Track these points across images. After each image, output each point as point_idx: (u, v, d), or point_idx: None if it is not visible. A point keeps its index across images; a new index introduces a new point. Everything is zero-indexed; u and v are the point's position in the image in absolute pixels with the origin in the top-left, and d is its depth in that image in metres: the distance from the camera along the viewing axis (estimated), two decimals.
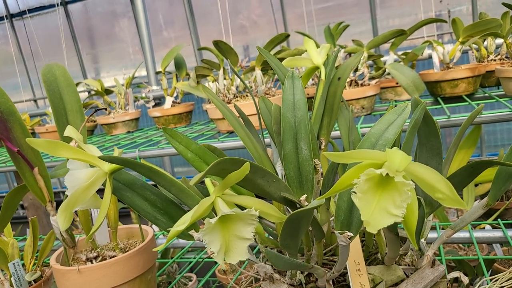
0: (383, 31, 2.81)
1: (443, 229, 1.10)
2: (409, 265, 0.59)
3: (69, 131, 0.52)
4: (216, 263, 1.39)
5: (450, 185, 0.37)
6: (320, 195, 0.60)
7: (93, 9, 3.56)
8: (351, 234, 0.47)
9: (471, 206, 1.05)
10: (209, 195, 0.49)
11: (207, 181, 0.50)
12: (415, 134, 0.47)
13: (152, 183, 0.59)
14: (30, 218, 0.78)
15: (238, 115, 0.66)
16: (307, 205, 0.52)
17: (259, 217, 0.52)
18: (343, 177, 0.41)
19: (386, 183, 0.37)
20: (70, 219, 0.50)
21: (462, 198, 0.42)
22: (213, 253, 0.46)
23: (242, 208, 0.47)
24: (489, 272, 1.08)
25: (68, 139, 0.61)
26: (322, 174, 0.63)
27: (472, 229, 1.00)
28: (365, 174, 0.36)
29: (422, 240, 0.56)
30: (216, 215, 0.45)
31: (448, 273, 0.57)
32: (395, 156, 0.36)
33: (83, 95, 2.75)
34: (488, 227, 1.15)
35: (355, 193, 0.37)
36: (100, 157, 0.46)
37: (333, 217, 0.61)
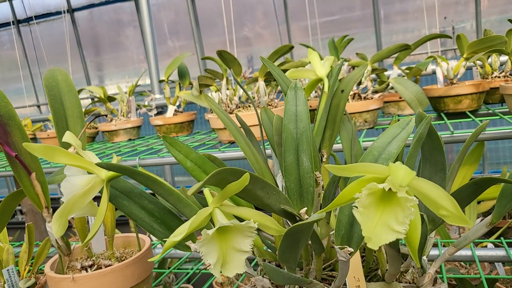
0: (386, 46, 2.83)
1: (444, 246, 1.08)
2: (410, 283, 0.58)
3: (68, 136, 0.51)
4: (213, 275, 1.37)
5: (454, 202, 0.36)
6: (320, 209, 0.59)
7: (99, 17, 3.58)
8: (351, 249, 0.46)
9: (473, 224, 1.03)
10: (208, 206, 0.48)
11: (206, 191, 0.50)
12: (419, 149, 0.46)
13: (151, 192, 0.58)
14: (26, 224, 0.77)
15: (239, 125, 0.66)
16: (307, 219, 0.51)
17: (258, 230, 0.51)
18: (345, 190, 0.40)
19: (389, 198, 0.36)
20: (65, 226, 0.49)
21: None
22: (210, 265, 0.45)
23: (241, 220, 0.46)
24: None
25: (67, 145, 0.60)
26: (323, 187, 0.62)
27: (474, 247, 0.99)
28: (367, 188, 0.35)
29: (424, 257, 0.55)
30: (214, 226, 0.44)
31: None
32: (398, 170, 0.35)
33: (86, 102, 2.75)
34: (490, 245, 1.13)
35: (357, 207, 0.36)
36: (97, 164, 0.45)
37: (333, 231, 0.60)
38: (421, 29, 2.77)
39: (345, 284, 0.54)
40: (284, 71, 0.82)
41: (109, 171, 0.48)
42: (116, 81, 3.71)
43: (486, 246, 1.14)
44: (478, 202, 1.36)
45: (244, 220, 0.45)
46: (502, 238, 1.06)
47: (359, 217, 0.36)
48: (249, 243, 0.45)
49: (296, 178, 0.55)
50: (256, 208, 0.52)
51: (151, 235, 1.38)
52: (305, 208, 0.55)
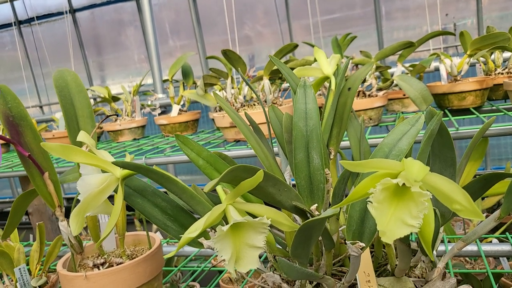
0: (388, 43, 2.83)
1: (449, 241, 1.09)
2: (419, 277, 0.58)
3: (82, 136, 0.52)
4: (220, 272, 1.38)
5: (468, 196, 0.36)
6: (330, 205, 0.60)
7: (100, 17, 3.59)
8: (363, 244, 0.47)
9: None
10: (219, 203, 0.49)
11: (219, 188, 0.50)
12: (430, 145, 0.47)
13: (163, 189, 0.59)
14: (37, 224, 0.78)
15: (248, 123, 0.66)
16: (318, 214, 0.52)
17: (269, 226, 0.52)
18: (358, 186, 0.40)
19: (402, 193, 0.37)
20: (82, 225, 0.50)
21: None
22: (224, 261, 0.46)
23: (253, 216, 0.47)
24: (497, 287, 1.07)
25: (79, 144, 0.61)
26: (331, 184, 0.63)
27: (479, 242, 0.99)
28: (381, 184, 0.36)
29: (434, 252, 0.55)
30: (227, 223, 0.45)
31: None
32: (413, 166, 0.35)
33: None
34: (495, 240, 1.14)
35: (371, 202, 0.37)
36: (113, 163, 0.46)
37: (342, 227, 0.61)
38: (422, 26, 2.77)
39: (355, 279, 0.55)
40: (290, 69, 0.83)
41: (123, 169, 0.49)
42: (118, 81, 3.72)
43: (491, 241, 1.15)
44: (482, 198, 1.37)
45: (256, 217, 0.46)
46: (507, 233, 1.06)
47: (374, 212, 0.36)
48: (262, 239, 0.46)
49: (306, 175, 0.56)
50: (265, 204, 0.53)
51: (158, 233, 1.39)
52: (316, 205, 0.55)
